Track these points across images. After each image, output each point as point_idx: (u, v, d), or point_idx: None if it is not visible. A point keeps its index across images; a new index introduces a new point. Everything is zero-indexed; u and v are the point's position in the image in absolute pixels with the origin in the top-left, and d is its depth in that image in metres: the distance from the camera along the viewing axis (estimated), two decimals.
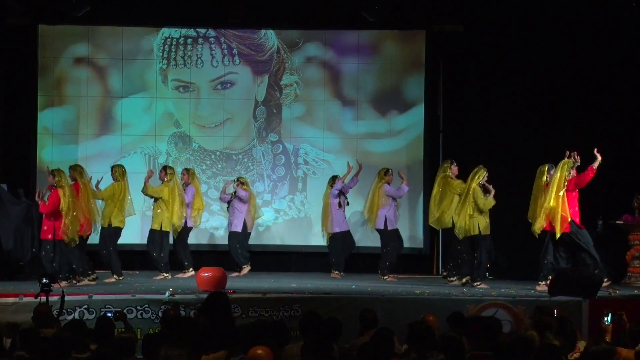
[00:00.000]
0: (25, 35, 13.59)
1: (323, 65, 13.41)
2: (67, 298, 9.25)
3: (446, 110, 13.75)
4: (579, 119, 13.08)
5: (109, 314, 7.96)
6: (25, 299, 9.30)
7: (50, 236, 10.94)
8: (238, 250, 12.27)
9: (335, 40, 13.43)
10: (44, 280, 8.56)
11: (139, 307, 9.42)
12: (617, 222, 12.08)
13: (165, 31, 13.30)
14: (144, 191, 11.80)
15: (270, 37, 13.34)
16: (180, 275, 11.87)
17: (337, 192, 12.15)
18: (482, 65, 13.41)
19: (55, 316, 8.19)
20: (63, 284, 10.36)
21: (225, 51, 13.28)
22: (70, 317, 9.11)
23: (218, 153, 13.46)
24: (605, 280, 10.77)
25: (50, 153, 13.24)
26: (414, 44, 13.49)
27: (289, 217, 13.25)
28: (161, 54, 13.27)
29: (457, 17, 13.55)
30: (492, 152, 12.74)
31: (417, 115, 13.38)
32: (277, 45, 13.33)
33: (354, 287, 11.01)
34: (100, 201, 11.58)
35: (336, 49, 13.41)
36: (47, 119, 13.32)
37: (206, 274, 10.47)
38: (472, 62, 13.52)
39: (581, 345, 7.21)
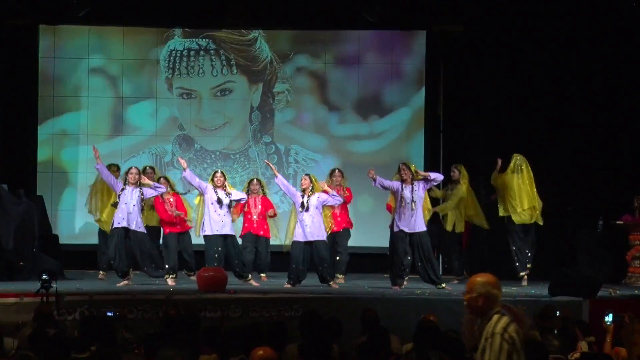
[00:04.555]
0: (26, 35, 13.71)
1: (311, 74, 14.28)
2: (67, 298, 9.27)
3: (447, 109, 13.79)
4: (580, 119, 13.06)
5: (110, 314, 7.93)
6: (26, 299, 9.25)
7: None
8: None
9: (323, 52, 14.25)
10: (44, 276, 8.54)
11: (139, 307, 9.38)
12: (618, 222, 12.03)
13: (171, 44, 14.18)
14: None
15: (264, 50, 14.21)
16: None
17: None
18: (483, 65, 13.41)
19: (56, 317, 8.18)
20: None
21: (224, 62, 14.20)
22: (70, 318, 9.12)
23: (217, 153, 14.23)
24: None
25: (67, 153, 14.05)
26: (394, 54, 14.15)
27: (281, 210, 13.54)
28: (167, 64, 14.19)
29: (457, 17, 13.56)
30: (493, 152, 12.69)
31: (396, 119, 14.14)
32: (270, 56, 14.21)
33: (365, 286, 10.97)
34: None
35: (323, 60, 14.23)
36: (65, 122, 14.07)
37: (207, 275, 10.43)
38: (473, 62, 13.52)
39: (583, 345, 7.21)
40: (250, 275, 11.32)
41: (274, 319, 9.05)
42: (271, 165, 11.71)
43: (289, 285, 10.98)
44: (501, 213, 11.65)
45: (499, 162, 11.70)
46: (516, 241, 11.57)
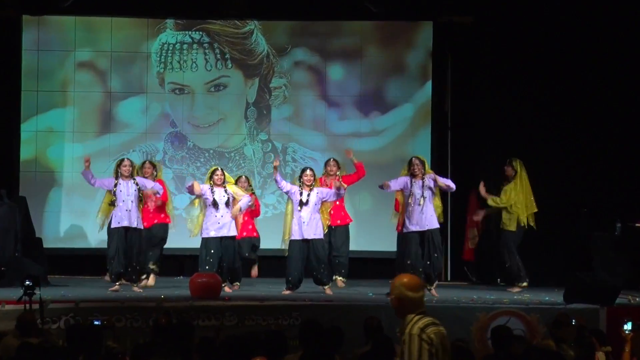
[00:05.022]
0: (9, 26, 13.75)
1: (310, 68, 14.32)
2: (52, 306, 9.23)
3: (454, 105, 13.77)
4: (598, 114, 13.00)
5: (96, 323, 7.90)
6: (8, 307, 9.21)
7: None
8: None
9: (322, 45, 14.30)
10: (27, 282, 8.50)
11: (128, 316, 9.34)
12: (637, 224, 12.01)
13: (162, 37, 14.19)
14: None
15: (260, 43, 14.24)
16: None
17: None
18: (493, 59, 13.37)
19: (40, 326, 8.14)
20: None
21: (219, 56, 14.22)
22: (55, 326, 9.09)
23: (212, 151, 14.22)
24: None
25: (53, 151, 14.04)
26: (398, 47, 14.15)
27: (277, 211, 13.71)
28: (158, 58, 14.19)
29: (466, 7, 13.53)
30: (503, 150, 12.66)
31: (398, 116, 14.16)
32: (267, 50, 14.24)
33: (371, 294, 10.91)
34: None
35: (322, 53, 14.28)
36: (51, 118, 14.07)
37: (200, 281, 10.39)
38: (482, 55, 13.49)
39: (600, 356, 7.18)
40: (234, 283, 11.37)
41: (272, 328, 9.03)
42: (277, 166, 11.46)
43: (288, 292, 10.94)
44: (523, 223, 11.66)
45: (483, 188, 11.67)
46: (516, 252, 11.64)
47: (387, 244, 12.60)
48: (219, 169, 11.39)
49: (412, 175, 10.78)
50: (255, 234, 12.18)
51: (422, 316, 4.77)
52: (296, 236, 11.02)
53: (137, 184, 11.08)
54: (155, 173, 11.79)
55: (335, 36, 14.25)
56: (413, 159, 10.91)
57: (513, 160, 11.75)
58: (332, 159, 11.96)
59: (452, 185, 10.91)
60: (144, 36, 14.19)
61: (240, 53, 14.16)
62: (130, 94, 14.16)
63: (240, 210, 11.21)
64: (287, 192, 11.26)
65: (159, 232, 11.83)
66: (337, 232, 11.73)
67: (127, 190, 11.02)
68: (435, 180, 10.76)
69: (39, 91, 13.93)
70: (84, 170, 11.17)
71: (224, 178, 11.26)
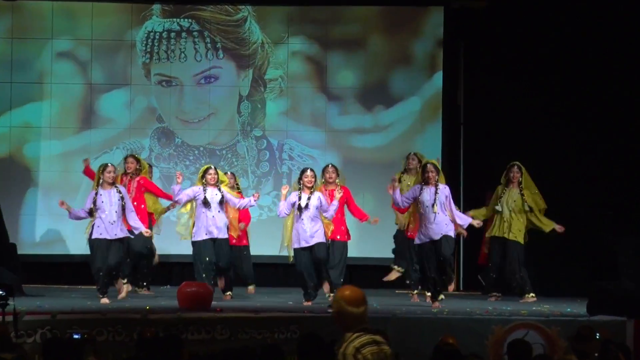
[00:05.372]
0: None
1: (308, 59, 14.35)
2: (26, 318, 9.18)
3: (467, 98, 13.74)
4: (620, 108, 12.95)
5: (76, 336, 7.86)
6: None
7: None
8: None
9: (321, 33, 14.32)
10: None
11: (110, 329, 9.27)
12: None
13: (148, 24, 14.23)
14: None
15: (254, 31, 14.27)
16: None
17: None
18: (509, 47, 13.34)
19: (14, 339, 8.10)
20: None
21: (209, 45, 14.27)
22: (30, 340, 9.03)
23: (202, 148, 14.26)
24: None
25: (33, 148, 14.06)
26: (404, 35, 14.20)
27: (273, 213, 13.58)
28: (144, 47, 14.25)
29: None
30: (520, 147, 12.62)
31: (404, 110, 14.22)
32: (261, 39, 14.30)
33: (375, 305, 10.81)
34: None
35: (322, 42, 14.30)
36: (26, 113, 14.11)
37: (189, 290, 10.32)
38: (497, 43, 13.46)
39: None
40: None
41: (268, 342, 8.99)
42: (283, 193, 11.33)
43: (308, 303, 10.96)
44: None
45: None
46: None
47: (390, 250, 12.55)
48: (212, 167, 11.35)
49: (425, 182, 10.68)
50: (245, 242, 12.03)
51: (362, 334, 4.74)
52: (298, 244, 10.97)
53: (120, 192, 10.90)
54: (139, 168, 11.68)
55: (336, 23, 14.25)
56: (428, 165, 10.76)
57: (517, 163, 11.68)
58: (330, 165, 11.61)
59: (462, 220, 10.84)
60: (128, 23, 14.20)
61: (233, 42, 14.16)
62: (114, 86, 14.17)
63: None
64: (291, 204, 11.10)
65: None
66: (335, 247, 11.55)
67: (109, 200, 10.83)
68: (447, 201, 10.68)
69: (13, 83, 13.97)
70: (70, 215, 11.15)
71: (218, 177, 11.18)
